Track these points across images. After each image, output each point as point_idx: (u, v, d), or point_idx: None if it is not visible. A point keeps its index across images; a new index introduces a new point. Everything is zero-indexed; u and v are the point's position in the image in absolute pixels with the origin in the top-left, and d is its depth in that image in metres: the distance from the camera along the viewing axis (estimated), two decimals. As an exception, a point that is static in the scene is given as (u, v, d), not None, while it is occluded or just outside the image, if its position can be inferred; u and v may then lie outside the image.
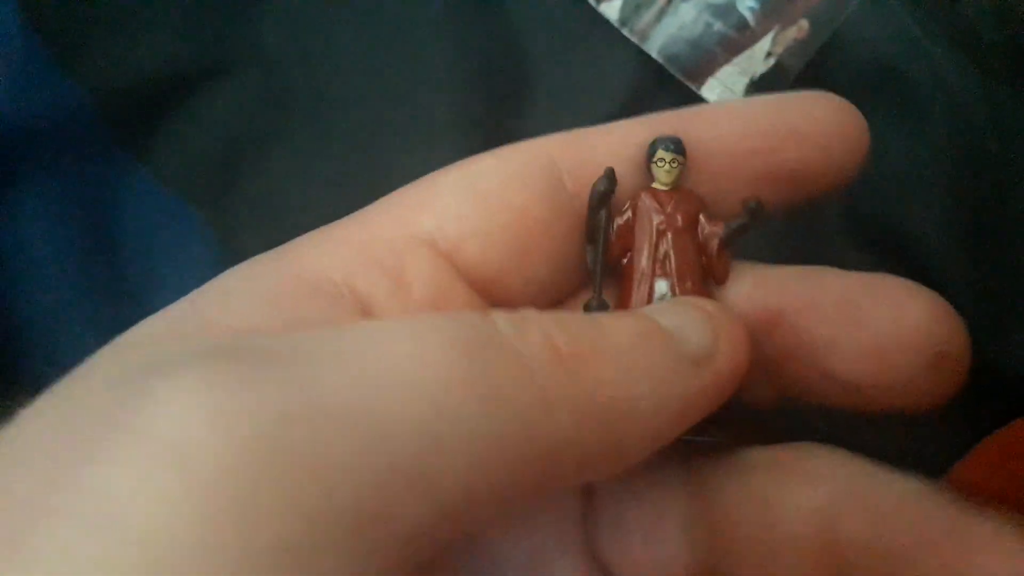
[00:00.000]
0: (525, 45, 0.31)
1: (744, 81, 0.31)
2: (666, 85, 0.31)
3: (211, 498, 0.09)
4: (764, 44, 0.31)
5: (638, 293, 0.17)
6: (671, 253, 0.17)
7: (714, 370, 0.13)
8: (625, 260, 0.17)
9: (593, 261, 0.17)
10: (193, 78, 0.29)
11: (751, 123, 0.16)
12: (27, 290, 0.27)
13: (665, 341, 0.13)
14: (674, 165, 0.17)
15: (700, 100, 0.31)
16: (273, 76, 0.29)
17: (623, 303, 0.17)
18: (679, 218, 0.17)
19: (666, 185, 0.17)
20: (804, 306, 0.15)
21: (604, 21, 0.31)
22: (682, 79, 0.31)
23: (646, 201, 0.17)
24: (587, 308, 0.17)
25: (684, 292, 0.17)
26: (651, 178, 0.17)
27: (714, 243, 0.17)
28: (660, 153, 0.17)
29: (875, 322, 0.15)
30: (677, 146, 0.17)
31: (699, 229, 0.17)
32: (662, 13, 0.31)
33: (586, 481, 0.14)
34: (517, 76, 0.31)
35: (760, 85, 0.31)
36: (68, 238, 0.28)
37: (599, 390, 0.11)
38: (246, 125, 0.29)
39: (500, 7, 0.31)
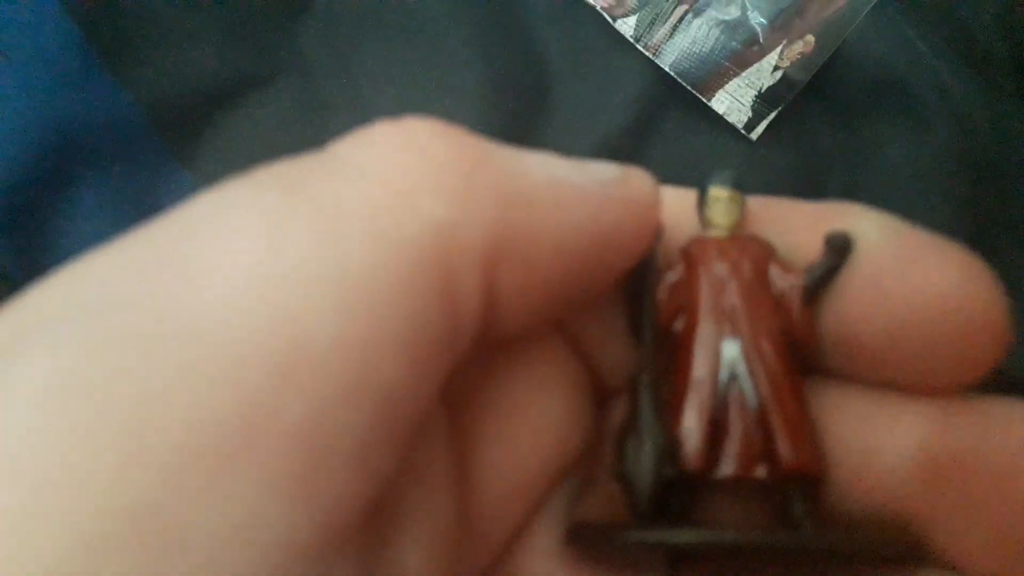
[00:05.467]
0: (545, 59, 0.32)
1: (752, 93, 0.32)
2: (677, 97, 0.32)
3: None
4: (772, 58, 0.32)
5: (700, 360, 0.13)
6: (739, 307, 0.13)
7: (624, 192, 0.13)
8: (679, 325, 0.14)
9: (639, 328, 0.14)
10: (237, 88, 0.31)
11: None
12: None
13: (577, 165, 0.13)
14: (732, 204, 0.14)
15: (710, 112, 0.32)
16: (312, 85, 0.31)
17: (681, 375, 0.14)
18: (746, 266, 0.14)
19: (724, 229, 0.14)
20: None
21: (620, 36, 0.33)
22: (693, 92, 0.32)
23: (702, 250, 0.14)
24: (633, 385, 0.14)
25: (762, 356, 0.13)
26: (704, 226, 0.14)
27: (795, 297, 0.13)
28: (714, 191, 0.14)
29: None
30: (735, 181, 0.14)
31: (770, 281, 0.14)
32: (675, 29, 0.32)
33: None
34: (537, 88, 0.32)
35: (767, 98, 0.32)
36: (119, 238, 0.30)
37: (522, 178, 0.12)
38: (286, 133, 0.30)
39: (523, 24, 0.33)
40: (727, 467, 0.13)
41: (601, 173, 0.13)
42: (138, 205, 0.31)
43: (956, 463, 0.12)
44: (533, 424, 0.13)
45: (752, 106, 0.32)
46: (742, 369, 0.13)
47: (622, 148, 0.32)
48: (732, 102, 0.32)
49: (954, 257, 0.12)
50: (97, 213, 0.30)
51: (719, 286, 0.14)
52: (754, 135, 0.32)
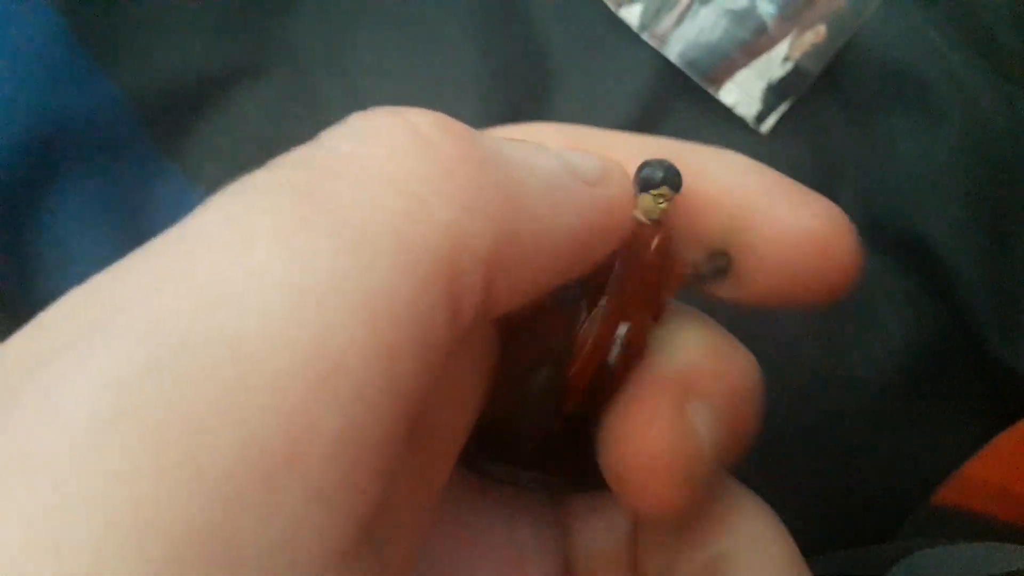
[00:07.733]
0: (546, 49, 0.31)
1: (762, 85, 0.31)
2: (684, 89, 0.31)
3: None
4: (782, 48, 0.31)
5: (598, 335, 0.15)
6: (635, 293, 0.15)
7: (607, 192, 0.14)
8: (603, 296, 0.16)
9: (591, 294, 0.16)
10: (226, 80, 0.30)
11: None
12: (64, 284, 0.29)
13: (565, 164, 0.13)
14: (669, 202, 0.15)
15: (718, 104, 0.31)
16: (304, 77, 0.30)
17: (580, 342, 0.16)
18: (650, 256, 0.15)
19: (653, 221, 0.15)
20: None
21: (624, 25, 0.31)
22: (700, 83, 0.31)
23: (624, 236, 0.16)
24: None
25: (629, 329, 0.15)
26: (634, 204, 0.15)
27: (671, 283, 0.15)
28: (663, 189, 0.15)
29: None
30: (678, 184, 0.15)
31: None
32: (681, 18, 0.31)
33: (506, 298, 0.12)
34: (538, 79, 0.31)
35: (777, 89, 0.31)
36: (104, 233, 0.29)
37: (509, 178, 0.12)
38: (277, 125, 0.29)
39: (523, 12, 0.32)
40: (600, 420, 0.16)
41: (586, 171, 0.14)
42: (125, 201, 0.30)
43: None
44: (465, 392, 0.14)
45: (762, 98, 0.31)
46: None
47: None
48: (741, 94, 0.31)
49: (811, 201, 0.14)
50: (82, 210, 0.29)
51: (625, 273, 0.15)
52: (764, 128, 0.31)
